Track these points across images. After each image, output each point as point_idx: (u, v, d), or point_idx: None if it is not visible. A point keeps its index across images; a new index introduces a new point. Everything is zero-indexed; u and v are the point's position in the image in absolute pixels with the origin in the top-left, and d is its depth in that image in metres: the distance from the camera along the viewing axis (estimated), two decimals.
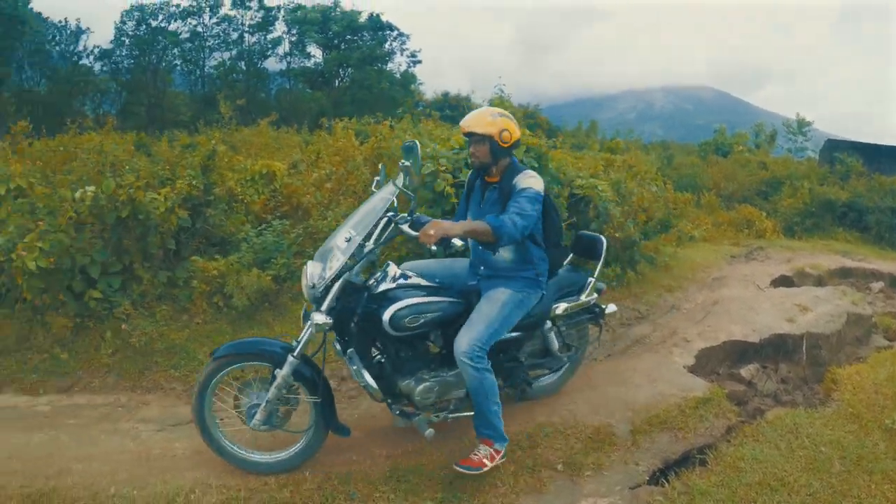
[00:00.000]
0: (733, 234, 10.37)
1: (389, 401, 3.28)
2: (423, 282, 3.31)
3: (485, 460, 3.17)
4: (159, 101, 35.23)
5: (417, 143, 3.19)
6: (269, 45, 39.01)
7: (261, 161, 7.15)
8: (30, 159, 7.05)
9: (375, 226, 3.15)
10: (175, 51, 37.47)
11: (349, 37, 39.14)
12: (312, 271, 3.09)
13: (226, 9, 38.14)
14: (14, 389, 4.39)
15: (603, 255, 3.95)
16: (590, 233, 4.14)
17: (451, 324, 3.29)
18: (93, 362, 4.57)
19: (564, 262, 3.88)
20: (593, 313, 3.98)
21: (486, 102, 16.75)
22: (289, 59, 39.73)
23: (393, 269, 3.29)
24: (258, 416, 3.10)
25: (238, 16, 38.37)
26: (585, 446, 3.54)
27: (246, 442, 3.30)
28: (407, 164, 3.09)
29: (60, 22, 35.43)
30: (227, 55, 38.78)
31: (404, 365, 3.26)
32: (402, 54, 40.72)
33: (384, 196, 3.19)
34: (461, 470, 3.14)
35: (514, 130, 3.30)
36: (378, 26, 39.42)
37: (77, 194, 4.99)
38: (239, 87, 35.66)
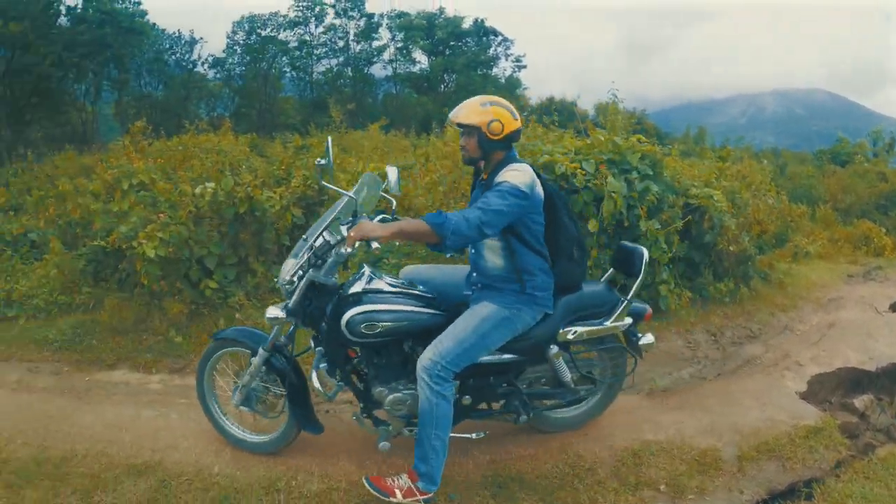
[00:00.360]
0: (850, 252, 9.65)
1: (362, 404, 3.22)
2: (401, 288, 3.14)
3: (397, 491, 2.89)
4: (270, 106, 37.05)
5: (330, 139, 3.20)
6: (375, 53, 40.08)
7: (371, 164, 7.29)
8: (151, 157, 7.53)
9: (326, 228, 3.09)
10: (284, 58, 39.21)
11: (454, 42, 39.55)
12: (284, 267, 3.12)
13: (330, 18, 39.59)
14: (129, 367, 4.71)
15: (642, 272, 3.32)
16: (629, 243, 3.56)
17: (427, 336, 3.01)
18: (205, 346, 4.80)
19: (603, 279, 3.54)
20: (630, 341, 3.44)
21: (593, 108, 16.51)
22: (394, 64, 40.65)
23: (366, 272, 3.18)
24: (235, 397, 3.34)
25: (342, 24, 39.69)
26: (690, 468, 3.38)
27: (240, 420, 3.54)
28: (322, 161, 3.14)
29: (175, 33, 38.03)
30: (334, 62, 40.25)
31: (380, 372, 3.14)
32: (506, 59, 40.88)
33: (338, 203, 3.17)
34: (366, 484, 2.95)
35: (508, 121, 2.91)
36: (482, 32, 39.67)
37: (197, 190, 5.31)
38: (346, 92, 36.87)
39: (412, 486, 2.90)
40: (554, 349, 3.23)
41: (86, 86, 31.59)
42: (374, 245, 2.74)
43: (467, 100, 3.01)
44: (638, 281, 3.33)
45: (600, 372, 3.53)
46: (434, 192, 6.49)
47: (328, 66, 40.27)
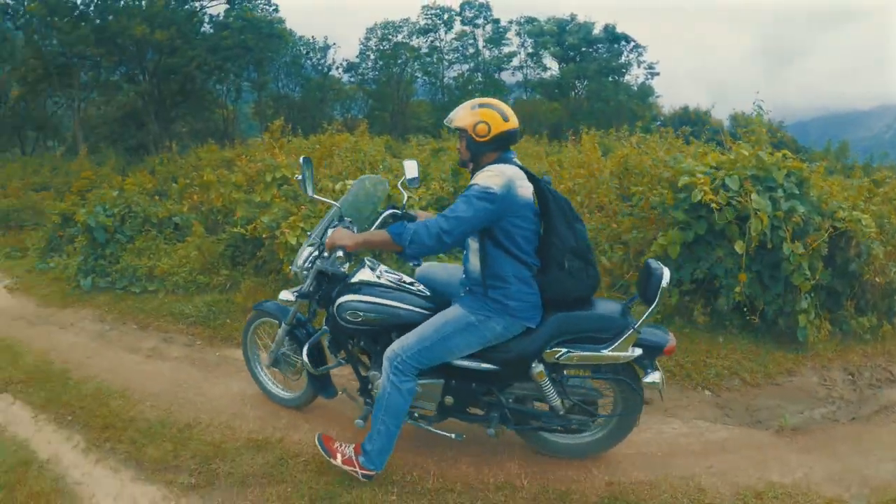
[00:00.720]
0: None
1: (360, 383, 3.40)
2: (397, 283, 3.26)
3: (339, 455, 3.13)
4: (402, 109, 38.32)
5: (303, 157, 3.30)
6: (504, 59, 40.41)
7: None
8: (293, 154, 7.94)
9: (325, 229, 3.34)
10: (416, 64, 40.32)
11: (584, 48, 39.06)
12: (299, 254, 3.42)
13: (458, 25, 40.44)
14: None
15: (658, 298, 2.85)
16: (655, 263, 2.97)
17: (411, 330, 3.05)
18: None
19: (629, 301, 3.14)
20: (648, 373, 3.00)
21: (728, 118, 15.85)
22: (524, 70, 40.73)
23: (367, 265, 3.38)
24: (266, 358, 3.86)
25: (471, 31, 40.27)
26: None
27: (273, 377, 4.07)
28: (299, 177, 3.26)
29: (311, 39, 40.31)
30: (465, 67, 41.02)
31: (376, 356, 3.26)
32: (639, 66, 40.01)
33: (330, 211, 3.42)
34: (316, 440, 3.26)
35: (497, 123, 2.84)
36: (614, 38, 38.91)
37: (337, 186, 5.58)
38: (476, 97, 37.48)
39: (354, 457, 3.09)
40: (537, 368, 2.99)
41: (227, 86, 33.98)
42: (339, 253, 3.03)
43: (463, 103, 3.02)
44: (651, 308, 2.90)
45: (611, 405, 3.30)
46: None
47: (459, 72, 41.18)
